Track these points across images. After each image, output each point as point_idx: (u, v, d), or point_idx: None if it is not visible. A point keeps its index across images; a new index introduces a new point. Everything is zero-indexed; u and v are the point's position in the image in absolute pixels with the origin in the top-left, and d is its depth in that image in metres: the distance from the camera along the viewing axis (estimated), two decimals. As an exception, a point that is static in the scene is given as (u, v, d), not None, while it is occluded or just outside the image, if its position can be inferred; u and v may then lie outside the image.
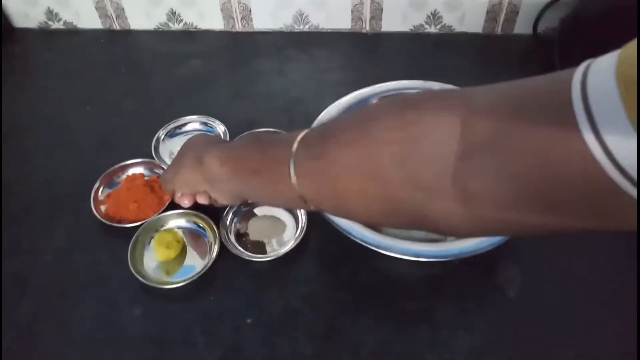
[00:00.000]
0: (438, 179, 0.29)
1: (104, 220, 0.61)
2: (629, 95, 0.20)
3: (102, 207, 0.64)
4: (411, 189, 0.31)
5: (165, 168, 0.65)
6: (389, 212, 0.34)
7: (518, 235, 0.39)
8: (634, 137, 0.20)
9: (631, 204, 0.22)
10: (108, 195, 0.65)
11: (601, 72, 0.22)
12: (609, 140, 0.21)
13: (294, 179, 0.38)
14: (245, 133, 0.69)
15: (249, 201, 0.58)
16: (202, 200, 0.54)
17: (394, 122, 0.32)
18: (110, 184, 0.67)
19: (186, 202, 0.55)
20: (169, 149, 0.72)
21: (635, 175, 0.21)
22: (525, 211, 0.27)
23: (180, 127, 0.75)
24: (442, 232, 0.33)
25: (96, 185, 0.65)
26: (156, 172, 0.68)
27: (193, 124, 0.75)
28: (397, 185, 0.31)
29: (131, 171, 0.68)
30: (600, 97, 0.21)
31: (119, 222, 0.62)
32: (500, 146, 0.26)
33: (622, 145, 0.21)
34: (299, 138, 0.39)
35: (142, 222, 0.61)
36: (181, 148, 0.54)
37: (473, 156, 0.27)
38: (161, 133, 0.73)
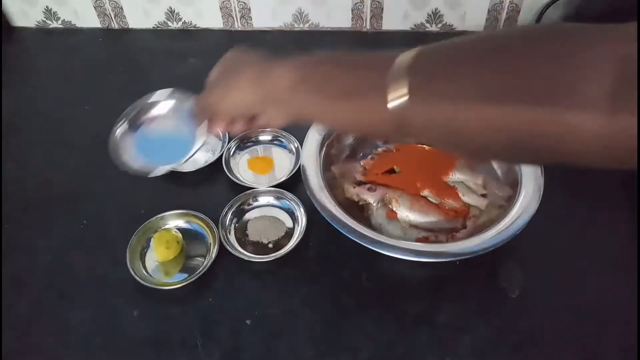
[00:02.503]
0: (595, 94, 0.27)
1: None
2: None
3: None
4: (562, 108, 0.28)
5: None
6: (516, 145, 0.31)
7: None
8: None
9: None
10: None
11: None
12: None
13: (403, 93, 0.33)
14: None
15: (321, 124, 0.48)
16: (239, 128, 0.48)
17: (548, 42, 0.30)
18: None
19: (236, 130, 0.49)
20: None
21: None
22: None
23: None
24: (575, 156, 0.30)
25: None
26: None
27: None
28: (538, 95, 0.29)
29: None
30: None
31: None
32: None
33: None
34: (414, 52, 0.34)
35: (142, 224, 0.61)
36: (225, 65, 0.47)
37: (631, 77, 0.26)
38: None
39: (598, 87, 0.27)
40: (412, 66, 0.34)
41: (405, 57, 0.35)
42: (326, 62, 0.40)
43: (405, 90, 0.33)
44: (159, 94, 0.54)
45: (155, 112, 0.55)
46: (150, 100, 0.54)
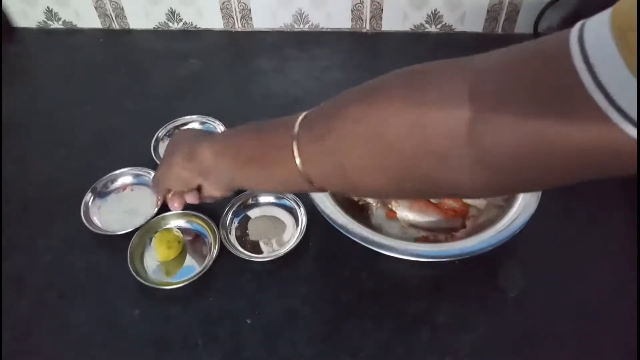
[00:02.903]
0: (451, 141, 0.29)
1: (96, 231, 0.61)
2: (626, 47, 0.22)
3: (95, 218, 0.63)
4: (424, 154, 0.31)
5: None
6: (401, 182, 0.34)
7: (528, 188, 0.40)
8: (634, 84, 0.22)
9: (630, 148, 0.23)
10: None
11: (596, 28, 0.24)
12: (610, 89, 0.23)
13: (298, 161, 0.37)
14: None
15: (245, 189, 0.56)
16: (192, 199, 0.54)
17: (402, 91, 0.32)
18: (101, 194, 0.66)
19: (176, 205, 0.55)
20: None
21: (634, 116, 0.22)
22: (538, 162, 0.27)
23: (179, 127, 0.74)
24: (455, 194, 0.34)
25: (87, 196, 0.65)
26: (145, 180, 0.67)
27: (193, 123, 0.75)
28: (410, 154, 0.31)
29: (120, 180, 0.67)
30: (598, 51, 0.23)
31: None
32: (510, 102, 0.27)
33: (623, 92, 0.22)
34: (299, 121, 0.38)
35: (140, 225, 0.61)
36: (168, 145, 0.54)
37: (485, 115, 0.28)
38: (161, 133, 0.73)
39: (460, 147, 0.29)
40: (298, 133, 0.38)
41: (296, 122, 0.39)
42: (237, 134, 0.46)
43: (296, 153, 0.38)
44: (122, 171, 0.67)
45: (121, 181, 0.67)
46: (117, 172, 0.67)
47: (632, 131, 0.23)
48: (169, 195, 0.56)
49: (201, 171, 0.48)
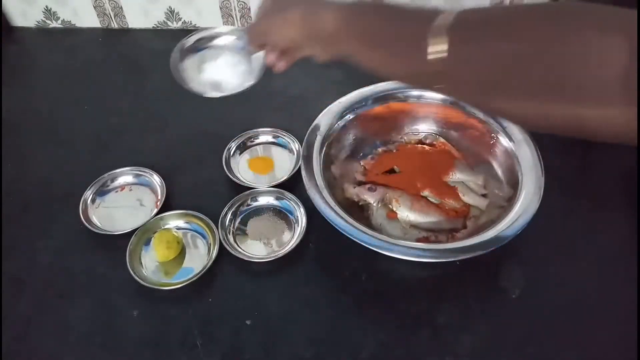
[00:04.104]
0: (605, 83, 0.30)
1: (95, 231, 0.61)
2: None
3: (94, 218, 0.63)
4: (577, 95, 0.31)
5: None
6: (543, 116, 0.34)
7: None
8: None
9: None
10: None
11: None
12: None
13: (440, 55, 0.36)
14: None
15: (361, 65, 0.47)
16: (285, 64, 0.51)
17: (568, 28, 0.32)
18: (100, 193, 0.66)
19: (281, 65, 0.52)
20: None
21: None
22: None
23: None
24: (598, 133, 0.34)
25: (86, 196, 0.65)
26: (145, 180, 0.67)
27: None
28: (556, 89, 0.32)
29: (119, 180, 0.67)
30: None
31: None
32: None
33: None
34: (451, 20, 0.37)
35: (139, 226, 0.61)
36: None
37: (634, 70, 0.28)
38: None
39: (609, 83, 0.30)
40: (452, 27, 0.36)
41: (445, 17, 0.37)
42: (370, 11, 0.42)
43: (445, 47, 0.36)
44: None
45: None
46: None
47: None
48: (266, 49, 0.52)
49: (317, 36, 0.44)
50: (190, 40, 0.61)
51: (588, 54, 0.31)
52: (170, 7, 0.92)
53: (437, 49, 0.36)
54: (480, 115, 0.65)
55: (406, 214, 0.60)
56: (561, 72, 0.32)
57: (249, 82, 0.57)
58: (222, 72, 0.59)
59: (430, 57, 0.36)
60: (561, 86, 0.32)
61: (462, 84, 0.38)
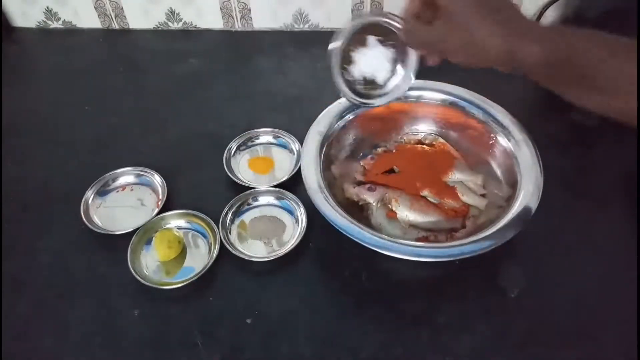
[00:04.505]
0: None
1: (96, 231, 0.61)
2: None
3: (95, 217, 0.64)
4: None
5: None
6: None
7: None
8: None
9: None
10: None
11: None
12: None
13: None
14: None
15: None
16: (436, 60, 0.49)
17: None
18: (101, 193, 0.66)
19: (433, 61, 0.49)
20: None
21: None
22: None
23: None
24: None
25: (87, 196, 0.65)
26: (146, 180, 0.67)
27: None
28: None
29: (120, 180, 0.67)
30: None
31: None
32: None
33: None
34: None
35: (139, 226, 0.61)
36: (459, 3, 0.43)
37: None
38: None
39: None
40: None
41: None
42: (573, 41, 0.41)
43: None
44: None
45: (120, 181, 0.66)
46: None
47: None
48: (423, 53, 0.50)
49: (509, 64, 0.42)
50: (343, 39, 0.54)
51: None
52: (170, 7, 0.92)
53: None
54: (480, 115, 0.66)
55: (405, 213, 0.61)
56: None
57: (408, 83, 0.56)
58: (376, 72, 0.57)
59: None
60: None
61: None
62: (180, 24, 0.94)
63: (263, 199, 0.64)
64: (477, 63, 0.44)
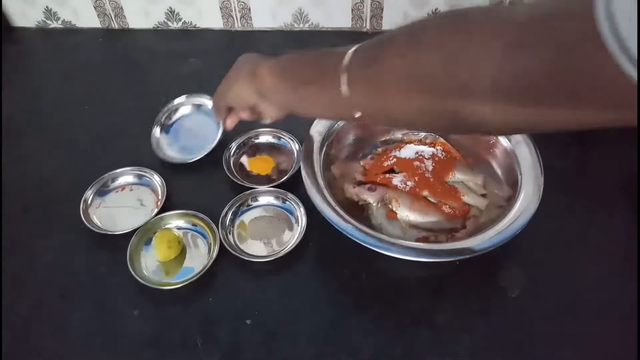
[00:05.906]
0: (481, 80, 0.32)
1: (96, 231, 0.61)
2: None
3: (94, 217, 0.64)
4: (455, 90, 0.34)
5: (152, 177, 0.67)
6: (431, 115, 0.38)
7: (537, 128, 0.41)
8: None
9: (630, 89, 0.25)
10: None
11: None
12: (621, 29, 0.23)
13: (344, 84, 0.40)
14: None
15: (298, 113, 0.53)
16: (246, 116, 0.58)
17: (444, 28, 0.35)
18: (100, 193, 0.66)
19: (229, 123, 0.60)
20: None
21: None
22: (552, 101, 0.30)
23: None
24: (477, 129, 0.37)
25: (87, 196, 0.65)
26: (145, 180, 0.67)
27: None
28: (442, 88, 0.35)
29: (120, 180, 0.67)
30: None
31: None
32: (539, 44, 0.29)
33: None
34: (353, 49, 0.41)
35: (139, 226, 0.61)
36: (235, 64, 0.56)
37: (515, 58, 0.30)
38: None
39: (486, 81, 0.32)
40: (349, 62, 0.41)
41: (348, 53, 0.41)
42: (296, 58, 0.49)
43: (345, 82, 0.40)
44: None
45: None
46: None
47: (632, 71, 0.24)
48: (225, 114, 0.59)
49: (260, 90, 0.51)
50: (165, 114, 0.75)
51: (464, 55, 0.33)
52: (170, 7, 0.92)
53: (342, 86, 0.41)
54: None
55: (406, 213, 0.60)
56: (450, 72, 0.34)
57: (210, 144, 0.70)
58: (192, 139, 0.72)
59: (344, 86, 0.41)
60: (452, 90, 0.35)
61: (370, 105, 0.41)
62: (180, 23, 0.94)
63: (263, 199, 0.64)
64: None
